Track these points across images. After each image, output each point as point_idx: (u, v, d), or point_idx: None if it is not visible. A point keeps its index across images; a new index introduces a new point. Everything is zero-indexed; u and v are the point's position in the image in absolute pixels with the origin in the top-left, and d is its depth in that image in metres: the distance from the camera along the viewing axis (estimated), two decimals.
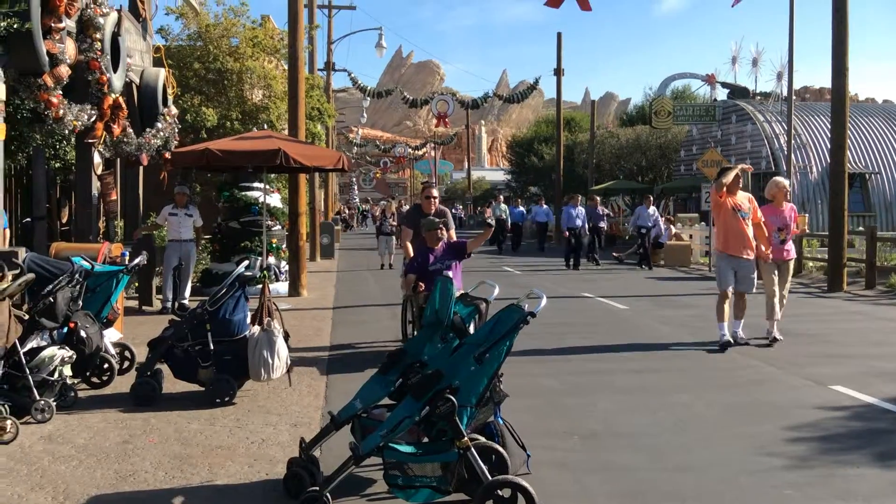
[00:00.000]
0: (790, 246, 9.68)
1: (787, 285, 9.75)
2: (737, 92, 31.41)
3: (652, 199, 23.39)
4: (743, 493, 4.59)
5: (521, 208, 31.67)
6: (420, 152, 71.56)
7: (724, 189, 9.04)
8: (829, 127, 16.83)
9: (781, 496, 4.54)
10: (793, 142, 24.31)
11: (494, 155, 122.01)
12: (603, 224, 23.49)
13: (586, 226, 21.33)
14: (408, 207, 30.41)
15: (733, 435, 5.70)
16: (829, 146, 17.52)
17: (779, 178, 9.91)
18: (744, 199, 9.20)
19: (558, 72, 33.75)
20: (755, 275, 9.25)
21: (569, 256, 20.72)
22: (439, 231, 7.91)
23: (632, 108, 56.86)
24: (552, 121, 42.92)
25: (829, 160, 17.38)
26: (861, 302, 13.77)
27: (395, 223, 21.60)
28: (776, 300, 9.32)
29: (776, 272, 9.45)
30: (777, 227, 9.44)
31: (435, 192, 8.98)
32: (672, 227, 23.29)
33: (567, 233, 20.77)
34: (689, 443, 5.54)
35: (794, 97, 24.73)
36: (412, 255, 8.33)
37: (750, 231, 9.09)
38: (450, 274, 7.52)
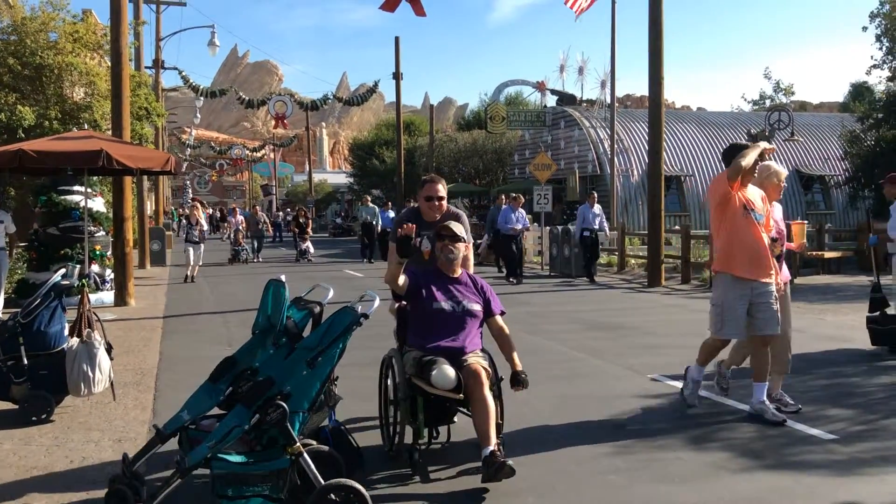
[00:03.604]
0: (784, 265, 6.45)
1: (789, 318, 6.46)
2: (565, 99, 32.88)
3: (597, 196, 19.18)
4: (573, 483, 4.79)
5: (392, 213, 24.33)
6: (259, 154, 70.09)
7: (740, 178, 5.93)
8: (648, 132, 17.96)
9: (606, 482, 4.78)
10: (616, 146, 25.81)
11: (336, 157, 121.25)
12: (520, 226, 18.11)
13: (523, 226, 18.20)
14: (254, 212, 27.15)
15: (565, 427, 5.93)
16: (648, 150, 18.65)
17: (772, 164, 6.46)
18: (756, 194, 6.10)
19: (397, 76, 34.00)
20: (777, 305, 6.02)
21: (512, 268, 17.48)
22: (456, 247, 5.21)
23: (469, 113, 58.36)
24: (393, 124, 43.16)
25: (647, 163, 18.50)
26: (677, 296, 14.75)
27: (200, 230, 19.67)
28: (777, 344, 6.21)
29: None
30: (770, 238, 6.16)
31: (441, 190, 5.63)
32: None
33: (503, 238, 17.78)
34: (523, 438, 5.71)
35: (616, 104, 26.26)
36: (401, 283, 5.15)
37: (767, 241, 6.03)
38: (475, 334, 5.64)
